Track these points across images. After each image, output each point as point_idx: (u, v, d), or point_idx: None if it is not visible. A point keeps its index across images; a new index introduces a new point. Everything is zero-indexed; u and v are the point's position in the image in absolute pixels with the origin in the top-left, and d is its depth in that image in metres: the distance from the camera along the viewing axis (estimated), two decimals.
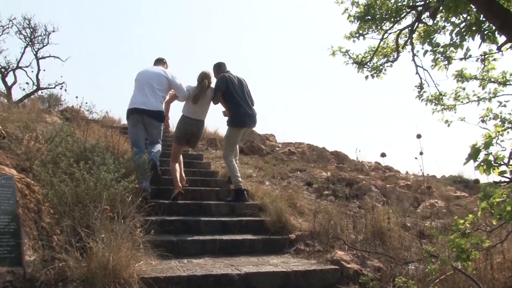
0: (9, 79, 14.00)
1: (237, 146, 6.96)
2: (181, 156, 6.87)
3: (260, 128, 14.74)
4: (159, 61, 6.77)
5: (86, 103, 17.15)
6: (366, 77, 7.67)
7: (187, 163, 8.44)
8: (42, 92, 14.21)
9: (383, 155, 6.17)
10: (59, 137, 5.30)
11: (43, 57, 14.32)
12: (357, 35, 7.24)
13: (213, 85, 6.61)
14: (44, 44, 14.25)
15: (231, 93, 6.43)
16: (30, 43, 14.03)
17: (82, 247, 3.72)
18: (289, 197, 6.83)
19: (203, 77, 6.36)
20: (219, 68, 6.67)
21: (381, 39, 7.36)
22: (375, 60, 7.63)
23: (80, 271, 3.46)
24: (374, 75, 7.60)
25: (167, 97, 6.59)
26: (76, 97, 19.70)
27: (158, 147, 6.27)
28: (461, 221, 3.75)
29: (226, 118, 6.74)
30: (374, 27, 7.07)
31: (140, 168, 5.55)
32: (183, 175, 6.75)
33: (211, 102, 6.58)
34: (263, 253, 5.31)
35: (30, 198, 3.84)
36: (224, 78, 6.44)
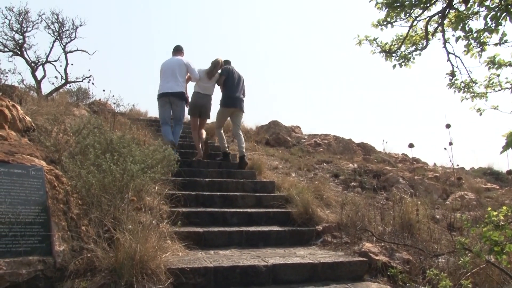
0: (39, 73, 14.23)
1: (239, 124, 8.52)
2: (203, 132, 8.58)
3: (285, 120, 14.64)
4: (178, 50, 8.28)
5: (113, 96, 17.25)
6: (394, 66, 7.47)
7: (213, 155, 8.48)
8: (70, 86, 14.35)
9: (411, 145, 6.01)
10: (87, 129, 5.34)
11: (71, 51, 14.50)
12: (385, 23, 7.03)
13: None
14: (72, 38, 14.38)
15: (229, 81, 8.22)
16: (58, 37, 14.20)
17: (110, 238, 3.73)
18: (316, 189, 6.77)
19: (217, 60, 8.19)
20: (226, 63, 8.51)
21: (410, 27, 7.13)
22: (403, 48, 7.42)
23: (108, 262, 3.47)
24: (402, 64, 7.39)
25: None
26: (103, 90, 19.84)
27: (179, 129, 7.99)
28: (495, 213, 3.63)
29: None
30: (402, 14, 6.86)
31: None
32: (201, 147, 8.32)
33: (216, 83, 8.33)
34: (290, 245, 5.28)
35: (59, 189, 3.88)
36: (227, 69, 8.32)
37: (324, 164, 10.05)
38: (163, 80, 7.90)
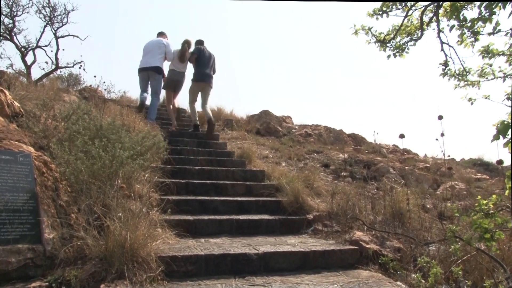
0: (29, 58, 14.03)
1: (207, 99, 9.56)
2: (175, 103, 10.09)
3: (276, 110, 14.66)
4: (161, 34, 9.61)
5: (104, 82, 17.13)
6: (388, 56, 7.47)
7: (203, 143, 8.48)
8: (61, 72, 14.19)
9: (401, 136, 6.07)
10: (76, 115, 5.30)
11: (62, 36, 14.31)
12: (380, 12, 7.04)
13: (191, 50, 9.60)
14: (64, 23, 14.19)
15: (200, 59, 9.33)
16: (49, 22, 13.99)
17: (100, 225, 3.72)
18: (306, 178, 6.81)
19: (185, 42, 9.50)
20: (198, 42, 9.67)
21: (405, 16, 7.14)
22: (398, 39, 7.43)
23: (98, 249, 3.47)
24: (397, 54, 7.42)
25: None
26: (94, 76, 19.67)
27: (156, 102, 9.21)
28: (485, 202, 3.69)
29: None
30: (398, 4, 6.87)
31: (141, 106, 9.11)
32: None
33: (188, 61, 9.51)
34: (280, 233, 5.32)
35: (47, 176, 3.86)
36: (198, 48, 9.45)
37: (315, 154, 10.09)
38: (143, 56, 9.21)
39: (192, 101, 9.49)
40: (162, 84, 9.45)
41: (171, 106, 9.79)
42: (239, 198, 5.99)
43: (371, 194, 6.77)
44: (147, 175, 5.26)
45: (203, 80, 9.39)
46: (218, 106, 12.40)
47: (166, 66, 9.55)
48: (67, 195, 3.97)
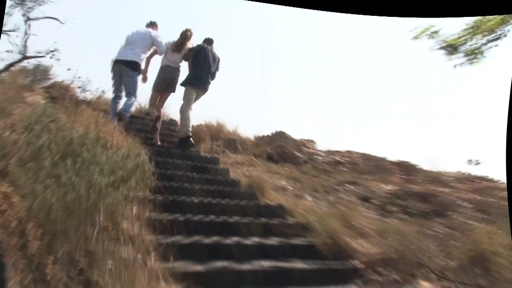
0: None
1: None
2: (161, 112, 10.25)
3: (295, 132, 14.63)
4: (151, 24, 9.88)
5: (79, 77, 17.02)
6: (457, 65, 7.56)
7: (199, 168, 8.52)
8: (28, 63, 14.18)
9: (472, 162, 6.14)
10: (40, 124, 5.25)
11: (36, 19, 14.37)
12: None
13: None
14: (39, 3, 14.33)
15: (199, 59, 9.76)
16: (20, 1, 14.11)
17: (86, 280, 3.70)
18: (342, 215, 6.84)
19: (187, 29, 9.84)
20: (205, 41, 10.14)
21: None
22: (473, 41, 7.42)
23: None
24: (468, 62, 7.46)
25: (148, 53, 9.76)
26: (68, 69, 19.20)
27: (131, 99, 9.23)
28: None
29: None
30: None
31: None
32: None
33: (183, 58, 9.85)
34: (321, 285, 5.25)
35: (10, 215, 3.74)
36: (200, 46, 9.90)
37: (348, 185, 10.15)
38: (121, 47, 9.37)
39: (186, 108, 9.75)
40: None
41: (155, 112, 9.97)
42: (257, 240, 5.94)
43: (435, 234, 6.80)
44: (135, 209, 5.27)
45: (196, 86, 9.83)
46: (219, 121, 12.41)
47: (157, 64, 9.99)
48: (39, 239, 3.86)
